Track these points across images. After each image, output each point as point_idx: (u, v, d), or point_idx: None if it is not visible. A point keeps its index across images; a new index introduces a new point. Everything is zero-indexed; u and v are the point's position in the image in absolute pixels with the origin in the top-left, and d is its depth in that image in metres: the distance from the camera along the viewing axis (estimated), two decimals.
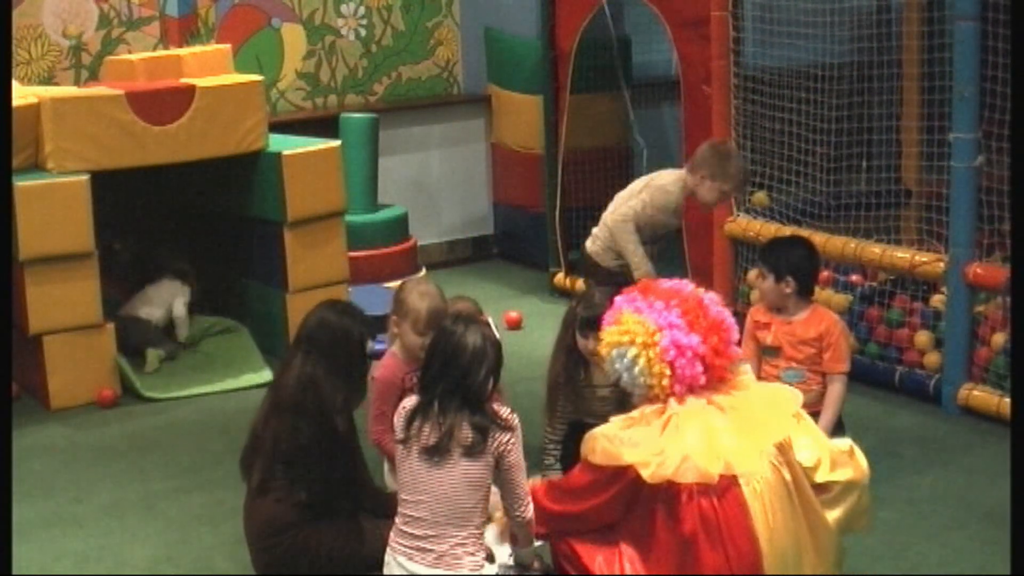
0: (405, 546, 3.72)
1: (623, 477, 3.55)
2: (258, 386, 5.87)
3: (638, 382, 3.66)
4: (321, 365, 3.99)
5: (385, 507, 4.10)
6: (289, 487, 3.93)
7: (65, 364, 5.71)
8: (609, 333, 3.75)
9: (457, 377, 3.67)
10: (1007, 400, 4.89)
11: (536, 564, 3.97)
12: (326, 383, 3.96)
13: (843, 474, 3.63)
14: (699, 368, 3.62)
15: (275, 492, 3.94)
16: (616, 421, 3.67)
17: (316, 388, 3.95)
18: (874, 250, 5.54)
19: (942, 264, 5.26)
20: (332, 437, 3.94)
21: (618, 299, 3.81)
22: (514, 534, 3.90)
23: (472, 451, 3.65)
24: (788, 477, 3.54)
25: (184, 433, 5.47)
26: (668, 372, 3.61)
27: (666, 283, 3.81)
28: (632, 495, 3.57)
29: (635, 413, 3.66)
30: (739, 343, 3.86)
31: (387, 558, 3.78)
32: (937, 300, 5.55)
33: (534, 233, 7.52)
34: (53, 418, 5.67)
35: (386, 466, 4.57)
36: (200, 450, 5.27)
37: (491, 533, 3.95)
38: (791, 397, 3.79)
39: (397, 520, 3.77)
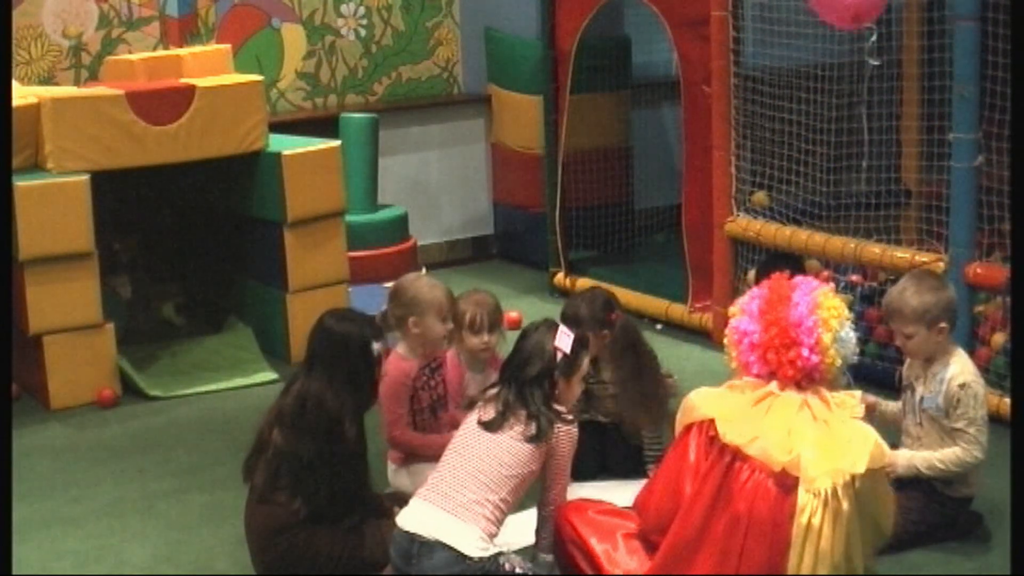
0: (426, 491, 3.81)
1: (703, 430, 3.64)
2: (260, 385, 5.89)
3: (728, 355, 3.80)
4: (324, 377, 3.98)
5: (381, 509, 4.11)
6: (290, 498, 3.93)
7: (65, 364, 5.70)
8: None
9: (517, 368, 3.88)
10: (1007, 400, 4.88)
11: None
12: (330, 395, 3.95)
13: None
14: (753, 357, 3.67)
15: (276, 500, 3.94)
16: (718, 388, 3.77)
17: (319, 403, 3.95)
18: (874, 250, 5.54)
19: (942, 264, 5.26)
20: (338, 450, 3.93)
21: None
22: (538, 532, 3.95)
23: (531, 440, 3.79)
24: (846, 509, 3.52)
25: (184, 433, 5.47)
26: (734, 352, 3.73)
27: (801, 278, 3.82)
28: (706, 453, 3.62)
29: (734, 382, 3.76)
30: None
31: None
32: None
33: (534, 233, 7.52)
34: (53, 418, 5.66)
35: (391, 467, 4.58)
36: (200, 450, 5.27)
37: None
38: (877, 441, 3.69)
39: (431, 475, 3.87)
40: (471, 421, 3.90)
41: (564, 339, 3.90)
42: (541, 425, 3.79)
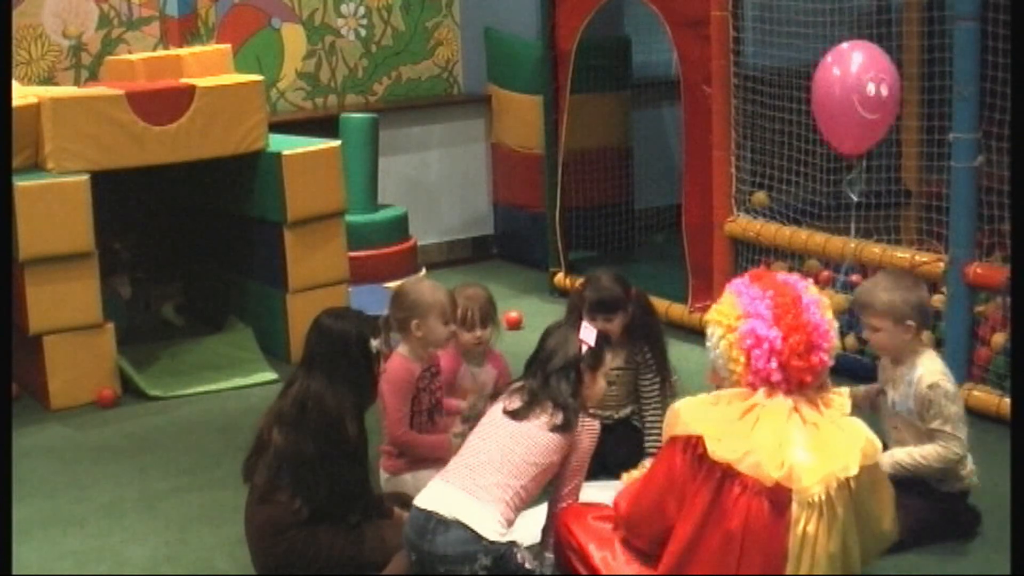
0: (447, 473, 3.82)
1: (691, 447, 3.55)
2: (260, 385, 5.89)
3: (718, 364, 3.65)
4: (323, 376, 3.97)
5: (381, 509, 4.10)
6: (291, 497, 3.93)
7: (65, 364, 5.71)
8: (710, 311, 3.73)
9: (543, 362, 3.91)
10: (1007, 400, 4.89)
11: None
12: (330, 394, 3.95)
13: None
14: (773, 364, 3.51)
15: (277, 500, 3.94)
16: (703, 397, 3.65)
17: (319, 402, 3.94)
18: (874, 250, 5.54)
19: (942, 264, 5.27)
20: (339, 449, 3.93)
21: (734, 280, 3.76)
22: (545, 530, 3.95)
23: (557, 430, 3.79)
24: (841, 514, 3.49)
25: (184, 433, 5.47)
26: (743, 360, 3.55)
27: (782, 276, 3.72)
28: (694, 472, 3.54)
29: (720, 393, 3.64)
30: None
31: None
32: (937, 300, 5.54)
33: (534, 233, 7.52)
34: (53, 418, 5.66)
35: (383, 475, 4.58)
36: (200, 450, 5.27)
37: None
38: (867, 437, 3.63)
39: (452, 460, 3.89)
40: (496, 410, 3.90)
41: (588, 333, 3.94)
42: (568, 415, 3.81)
